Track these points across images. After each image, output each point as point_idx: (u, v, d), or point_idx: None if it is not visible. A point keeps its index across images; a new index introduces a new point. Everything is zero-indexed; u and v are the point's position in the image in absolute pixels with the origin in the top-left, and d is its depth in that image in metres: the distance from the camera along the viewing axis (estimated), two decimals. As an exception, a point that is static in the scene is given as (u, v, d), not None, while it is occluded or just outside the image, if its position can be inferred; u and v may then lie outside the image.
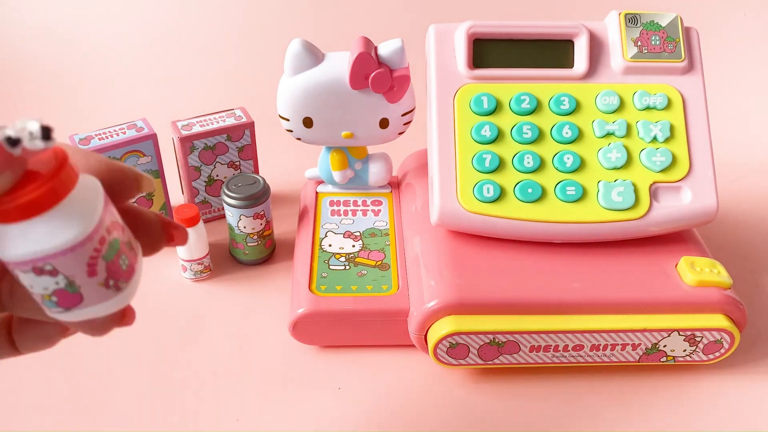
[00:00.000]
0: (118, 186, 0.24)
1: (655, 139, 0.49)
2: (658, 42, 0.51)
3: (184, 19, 0.93)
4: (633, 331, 0.45)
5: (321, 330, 0.49)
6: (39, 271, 0.22)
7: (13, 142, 0.20)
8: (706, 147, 0.49)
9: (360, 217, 0.58)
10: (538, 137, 0.50)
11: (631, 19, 0.51)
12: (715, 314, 0.46)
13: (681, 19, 0.51)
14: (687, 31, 0.51)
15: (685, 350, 0.47)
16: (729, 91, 0.84)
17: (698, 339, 0.46)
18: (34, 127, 0.20)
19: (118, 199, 0.25)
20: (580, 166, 0.49)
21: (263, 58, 0.86)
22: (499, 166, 0.49)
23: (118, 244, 0.23)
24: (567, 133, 0.50)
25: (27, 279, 0.22)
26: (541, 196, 0.48)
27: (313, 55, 0.53)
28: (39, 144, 0.20)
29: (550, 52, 0.51)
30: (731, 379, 0.49)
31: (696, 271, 0.47)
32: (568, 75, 0.51)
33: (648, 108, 0.50)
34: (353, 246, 0.55)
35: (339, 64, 0.53)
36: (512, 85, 0.51)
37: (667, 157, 0.49)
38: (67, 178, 0.21)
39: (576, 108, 0.50)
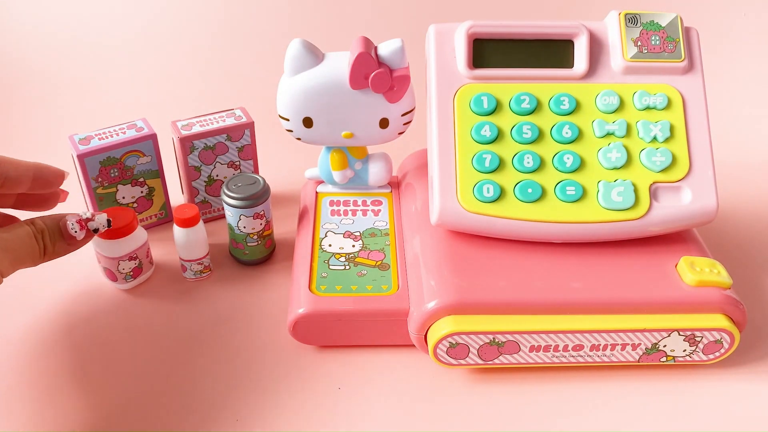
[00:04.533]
0: (46, 179, 0.45)
1: (655, 139, 0.49)
2: (658, 42, 0.51)
3: (184, 19, 0.93)
4: (633, 331, 0.45)
5: (321, 330, 0.49)
6: (130, 258, 0.52)
7: (96, 231, 0.43)
8: (706, 147, 0.49)
9: (360, 217, 0.58)
10: (538, 137, 0.50)
11: (631, 19, 0.51)
12: (715, 314, 0.46)
13: (681, 19, 0.51)
14: (687, 31, 0.51)
15: (685, 350, 0.47)
16: (729, 91, 0.84)
17: (698, 339, 0.46)
18: (104, 221, 0.45)
19: (46, 187, 0.45)
20: (580, 166, 0.49)
21: (263, 58, 0.87)
22: (499, 166, 0.49)
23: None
24: (567, 133, 0.50)
25: (124, 265, 0.52)
26: (541, 196, 0.48)
27: (313, 55, 0.53)
28: (103, 229, 0.45)
29: (550, 52, 0.51)
30: (731, 379, 0.49)
31: (696, 271, 0.47)
32: (568, 75, 0.51)
33: (648, 108, 0.50)
34: (353, 246, 0.55)
35: (339, 64, 0.53)
36: (512, 85, 0.51)
37: (667, 157, 0.49)
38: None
39: (576, 108, 0.50)
